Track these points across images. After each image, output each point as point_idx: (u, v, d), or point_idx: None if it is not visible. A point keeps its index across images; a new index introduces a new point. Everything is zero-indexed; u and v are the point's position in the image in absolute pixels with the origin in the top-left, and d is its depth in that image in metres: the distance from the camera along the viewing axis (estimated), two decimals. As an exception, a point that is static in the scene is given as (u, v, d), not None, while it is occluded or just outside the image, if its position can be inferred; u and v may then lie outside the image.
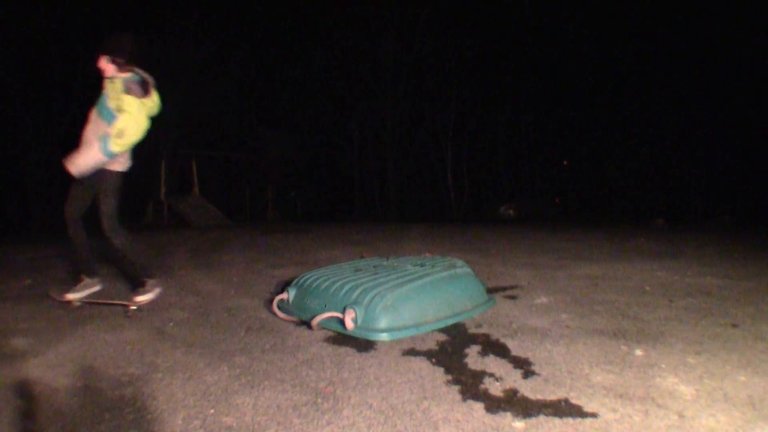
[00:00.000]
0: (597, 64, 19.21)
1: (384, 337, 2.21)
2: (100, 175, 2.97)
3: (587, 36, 18.90)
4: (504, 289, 3.41)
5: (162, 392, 1.75)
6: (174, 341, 2.34)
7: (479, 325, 2.51)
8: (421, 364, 1.98)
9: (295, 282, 2.82)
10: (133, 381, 1.86)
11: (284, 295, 2.78)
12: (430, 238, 7.15)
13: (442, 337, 2.33)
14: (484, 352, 2.11)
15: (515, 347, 2.16)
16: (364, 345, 2.22)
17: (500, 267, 4.31)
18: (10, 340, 2.38)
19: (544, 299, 3.05)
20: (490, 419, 1.50)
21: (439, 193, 21.12)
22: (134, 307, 2.92)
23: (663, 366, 1.89)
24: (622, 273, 3.88)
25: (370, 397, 1.69)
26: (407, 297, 2.39)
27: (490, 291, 3.19)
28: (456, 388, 1.74)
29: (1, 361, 2.10)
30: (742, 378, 1.77)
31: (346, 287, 2.47)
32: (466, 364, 1.97)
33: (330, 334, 2.41)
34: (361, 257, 4.56)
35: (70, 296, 3.06)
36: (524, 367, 1.93)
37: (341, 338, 2.33)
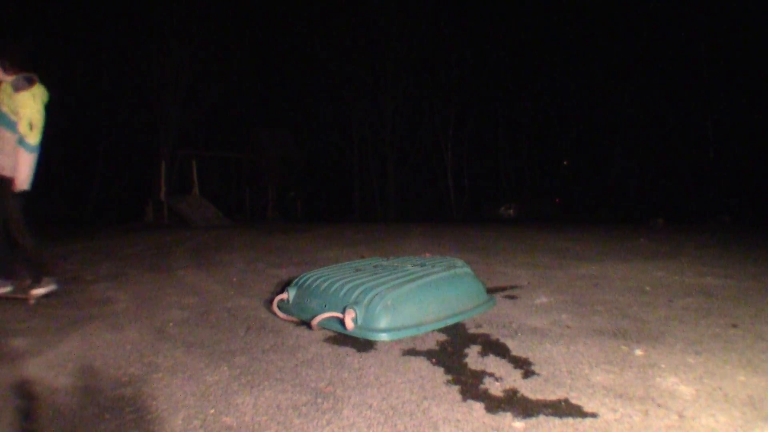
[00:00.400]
0: (597, 64, 19.21)
1: (384, 337, 2.21)
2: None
3: (587, 36, 18.90)
4: (504, 289, 3.41)
5: (162, 392, 1.75)
6: (174, 341, 2.34)
7: (479, 325, 2.51)
8: (421, 364, 1.98)
9: (295, 282, 2.82)
10: (133, 381, 1.86)
11: (284, 295, 2.78)
12: (430, 238, 7.15)
13: (442, 337, 2.33)
14: (484, 352, 2.11)
15: (515, 347, 2.16)
16: (364, 345, 2.22)
17: (500, 267, 4.31)
18: (10, 340, 2.38)
19: (544, 299, 3.05)
20: (490, 419, 1.50)
21: (439, 193, 21.12)
22: (33, 301, 3.13)
23: (663, 366, 1.89)
24: (622, 273, 3.88)
25: (370, 397, 1.69)
26: (407, 297, 2.39)
27: (490, 291, 3.19)
28: (456, 388, 1.74)
29: (1, 361, 2.10)
30: (742, 378, 1.76)
31: (346, 287, 2.47)
32: (466, 364, 1.97)
33: (330, 334, 2.41)
34: (361, 257, 4.56)
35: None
36: (524, 367, 1.93)
37: (341, 338, 2.33)
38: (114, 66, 16.74)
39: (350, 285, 2.48)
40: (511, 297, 3.15)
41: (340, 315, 2.31)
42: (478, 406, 1.59)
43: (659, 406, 1.56)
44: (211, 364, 2.02)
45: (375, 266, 2.95)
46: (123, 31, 16.35)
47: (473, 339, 2.30)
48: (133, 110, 17.21)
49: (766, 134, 14.74)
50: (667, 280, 3.57)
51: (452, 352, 2.12)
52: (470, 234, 7.69)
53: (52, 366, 2.03)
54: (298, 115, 22.07)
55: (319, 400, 1.66)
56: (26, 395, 1.75)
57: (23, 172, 3.05)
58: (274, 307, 2.75)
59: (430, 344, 2.23)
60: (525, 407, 1.58)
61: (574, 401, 1.61)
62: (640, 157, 18.66)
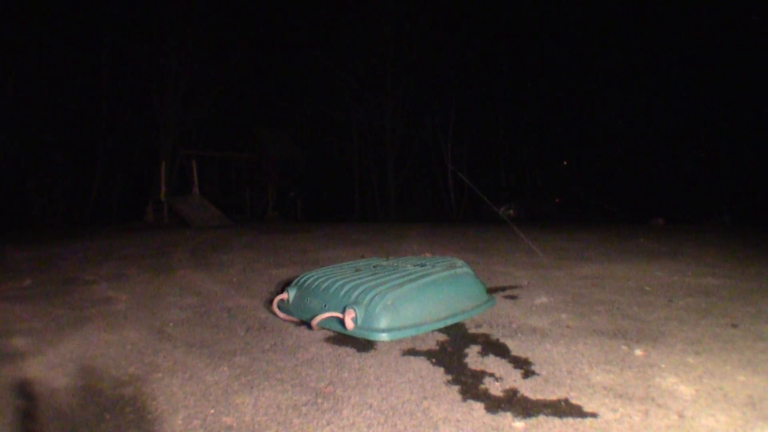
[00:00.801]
0: (597, 64, 19.21)
1: (384, 337, 2.21)
2: None
3: (587, 35, 18.90)
4: (504, 289, 3.41)
5: (162, 392, 1.75)
6: (174, 341, 2.34)
7: (479, 325, 2.51)
8: (421, 364, 1.98)
9: (295, 282, 2.82)
10: (133, 381, 1.86)
11: (284, 295, 2.78)
12: (430, 238, 7.15)
13: (442, 337, 2.33)
14: (484, 352, 2.11)
15: (515, 347, 2.16)
16: (364, 345, 2.22)
17: (500, 267, 4.31)
18: (10, 340, 2.38)
19: (544, 299, 3.05)
20: (490, 419, 1.50)
21: (439, 193, 21.11)
22: None
23: (663, 366, 1.89)
24: (622, 273, 3.88)
25: (370, 397, 1.69)
26: (407, 297, 2.39)
27: (490, 291, 3.19)
28: (456, 388, 1.74)
29: (1, 361, 2.10)
30: (742, 378, 1.76)
31: (346, 287, 2.47)
32: (466, 364, 1.97)
33: (330, 334, 2.41)
34: (361, 257, 4.56)
35: None
36: (524, 367, 1.93)
37: (341, 338, 2.33)
38: (114, 66, 16.74)
39: (350, 285, 2.48)
40: (511, 297, 3.15)
41: (340, 315, 2.31)
42: (478, 406, 1.59)
43: (659, 406, 1.56)
44: (211, 364, 2.02)
45: (375, 266, 2.95)
46: (123, 30, 16.36)
47: (473, 339, 2.30)
48: (133, 110, 17.21)
49: (766, 134, 14.73)
50: (667, 280, 3.57)
51: (452, 352, 2.12)
52: (470, 234, 7.69)
53: (52, 366, 2.03)
54: (298, 115, 22.06)
55: (319, 400, 1.66)
56: (26, 395, 1.75)
57: None
58: (274, 307, 2.75)
59: (430, 344, 2.23)
60: (525, 407, 1.58)
61: (574, 401, 1.61)
62: (640, 157, 18.66)
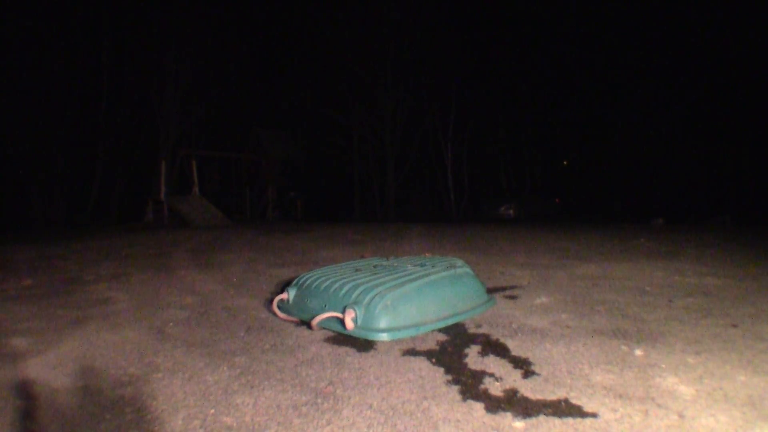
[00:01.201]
0: (597, 64, 19.21)
1: (384, 337, 2.21)
2: None
3: (587, 35, 18.90)
4: (504, 289, 3.41)
5: (162, 392, 1.75)
6: (174, 341, 2.34)
7: (479, 325, 2.51)
8: (421, 364, 1.98)
9: (295, 282, 2.82)
10: (133, 381, 1.86)
11: (284, 295, 2.78)
12: (430, 238, 7.15)
13: (442, 337, 2.33)
14: (484, 352, 2.11)
15: (515, 347, 2.16)
16: (364, 345, 2.22)
17: (500, 267, 4.31)
18: (10, 340, 2.38)
19: (544, 299, 3.05)
20: (490, 419, 1.50)
21: (439, 193, 21.11)
22: None
23: (663, 366, 1.89)
24: (622, 273, 3.88)
25: (370, 397, 1.69)
26: (407, 297, 2.39)
27: (490, 291, 3.19)
28: (456, 388, 1.74)
29: (1, 361, 2.10)
30: (742, 378, 1.76)
31: (346, 287, 2.47)
32: (466, 364, 1.97)
33: (330, 334, 2.41)
34: (361, 257, 4.56)
35: None
36: (524, 367, 1.93)
37: (341, 338, 2.33)
38: (114, 66, 16.75)
39: (350, 285, 2.48)
40: (511, 297, 3.15)
41: (340, 315, 2.31)
42: (478, 406, 1.59)
43: (659, 406, 1.56)
44: (211, 364, 2.02)
45: (375, 266, 2.95)
46: (123, 31, 16.36)
47: (473, 339, 2.30)
48: (133, 110, 17.21)
49: (765, 134, 14.73)
50: (667, 280, 3.57)
51: (452, 352, 2.12)
52: (470, 234, 7.69)
53: (52, 366, 2.03)
54: (298, 115, 22.06)
55: (319, 400, 1.66)
56: (26, 395, 1.75)
57: None
58: (274, 307, 2.75)
59: (430, 344, 2.23)
60: (525, 407, 1.58)
61: (574, 401, 1.61)
62: (641, 157, 18.66)
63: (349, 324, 2.25)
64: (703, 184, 16.79)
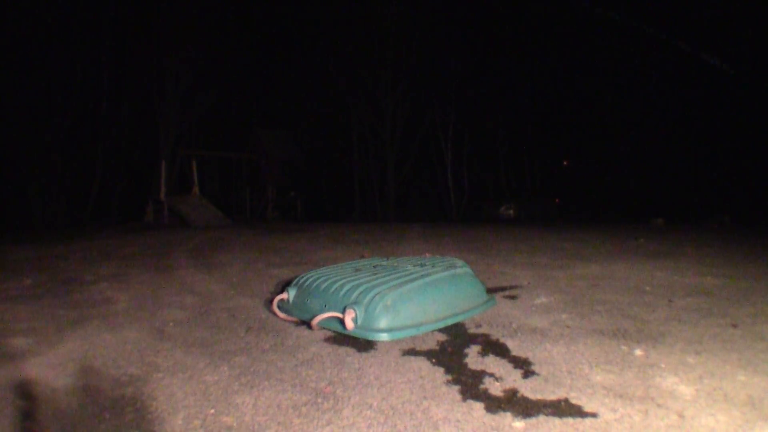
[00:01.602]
0: (598, 63, 19.21)
1: (384, 337, 2.21)
2: None
3: (587, 35, 18.90)
4: (504, 289, 3.41)
5: (162, 392, 1.75)
6: (174, 341, 2.34)
7: (479, 325, 2.51)
8: (421, 364, 1.98)
9: (295, 282, 2.82)
10: (133, 381, 1.86)
11: (284, 295, 2.78)
12: (430, 238, 7.15)
13: (442, 337, 2.33)
14: (484, 352, 2.11)
15: (515, 347, 2.16)
16: (364, 345, 2.22)
17: (500, 267, 4.31)
18: (10, 340, 2.38)
19: (544, 299, 3.05)
20: (490, 419, 1.50)
21: (438, 193, 21.11)
22: None
23: (663, 366, 1.89)
24: (622, 273, 3.88)
25: (370, 397, 1.69)
26: (407, 297, 2.39)
27: (490, 291, 3.19)
28: (456, 388, 1.74)
29: (1, 361, 2.10)
30: (742, 378, 1.77)
31: (346, 287, 2.47)
32: (466, 364, 1.97)
33: (330, 334, 2.41)
34: (361, 257, 4.56)
35: None
36: (524, 367, 1.93)
37: (341, 338, 2.33)
38: (114, 66, 16.74)
39: (350, 285, 2.48)
40: (511, 297, 3.15)
41: (340, 315, 2.31)
42: (478, 406, 1.59)
43: (659, 406, 1.56)
44: (211, 364, 2.02)
45: (375, 266, 2.95)
46: (124, 30, 16.36)
47: (473, 339, 2.30)
48: (133, 110, 17.21)
49: (765, 134, 14.73)
50: (667, 280, 3.57)
51: (452, 352, 2.12)
52: (470, 234, 7.69)
53: (52, 366, 2.03)
54: (298, 116, 22.05)
55: (319, 400, 1.66)
56: (26, 395, 1.75)
57: None
58: (274, 307, 2.75)
59: (430, 344, 2.23)
60: (525, 407, 1.58)
61: (574, 401, 1.61)
62: (641, 157, 18.67)
63: (349, 324, 2.25)
64: (703, 184, 16.79)
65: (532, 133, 22.34)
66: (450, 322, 2.48)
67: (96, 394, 1.75)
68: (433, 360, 2.03)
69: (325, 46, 18.98)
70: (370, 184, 20.69)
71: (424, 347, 2.19)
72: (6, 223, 13.04)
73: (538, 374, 1.85)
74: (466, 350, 2.14)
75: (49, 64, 14.64)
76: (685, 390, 1.67)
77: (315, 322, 2.38)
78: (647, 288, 3.31)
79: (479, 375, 1.86)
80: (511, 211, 15.92)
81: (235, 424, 1.51)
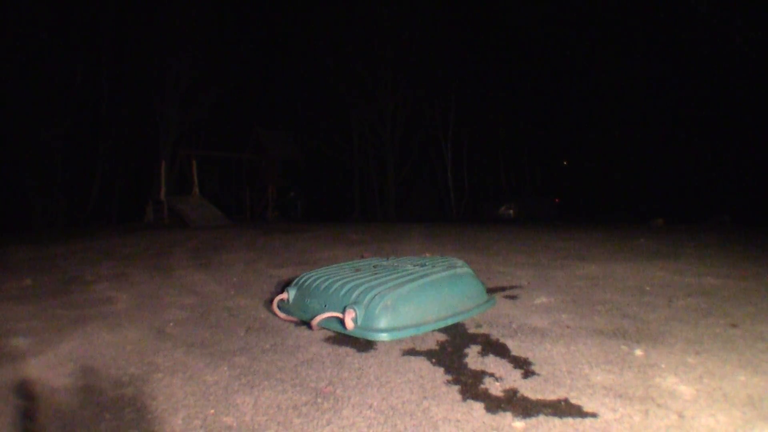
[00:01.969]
0: (598, 64, 19.21)
1: (384, 337, 2.21)
2: None
3: (587, 36, 18.90)
4: (504, 289, 3.41)
5: (162, 392, 1.75)
6: (174, 341, 2.34)
7: (479, 325, 2.51)
8: (421, 364, 1.98)
9: (295, 282, 2.82)
10: (133, 381, 1.86)
11: (284, 295, 2.78)
12: (430, 238, 7.15)
13: (442, 337, 2.33)
14: (484, 352, 2.11)
15: (515, 347, 2.16)
16: (364, 345, 2.22)
17: (500, 267, 4.31)
18: (10, 340, 2.38)
19: (544, 299, 3.05)
20: (490, 419, 1.50)
21: (439, 193, 21.12)
22: None
23: (663, 366, 1.89)
24: (622, 273, 3.87)
25: (370, 397, 1.69)
26: (407, 297, 2.39)
27: (490, 291, 3.19)
28: (456, 388, 1.74)
29: (1, 361, 2.10)
30: (742, 378, 1.76)
31: (346, 287, 2.47)
32: (466, 364, 1.97)
33: (330, 334, 2.41)
34: (361, 257, 4.56)
35: None
36: (524, 366, 1.93)
37: (341, 338, 2.33)
38: (114, 66, 16.75)
39: (350, 285, 2.48)
40: (511, 297, 3.15)
41: (340, 315, 2.31)
42: (478, 406, 1.59)
43: (659, 406, 1.56)
44: (211, 364, 2.02)
45: (375, 266, 2.95)
46: (124, 30, 16.36)
47: (473, 339, 2.30)
48: (133, 110, 17.22)
49: (765, 134, 14.73)
50: (667, 280, 3.57)
51: (452, 352, 2.12)
52: (470, 234, 7.69)
53: (52, 366, 2.03)
54: (298, 115, 22.07)
55: (319, 400, 1.66)
56: (26, 395, 1.75)
57: None
58: (274, 307, 2.75)
59: (430, 344, 2.23)
60: (525, 407, 1.58)
61: (574, 401, 1.61)
62: (641, 157, 18.67)
63: (349, 324, 2.25)
64: (703, 184, 16.79)
65: (532, 133, 22.35)
66: (450, 322, 2.48)
67: (96, 394, 1.75)
68: (433, 360, 2.03)
69: (325, 45, 18.97)
70: (370, 184, 20.71)
71: (424, 347, 2.19)
72: (6, 223, 13.04)
73: (538, 374, 1.85)
74: (466, 350, 2.14)
75: (49, 64, 14.64)
76: (685, 390, 1.67)
77: (315, 322, 2.38)
78: (647, 288, 3.31)
79: (479, 375, 1.86)
80: (511, 211, 15.93)
81: (235, 424, 1.51)
